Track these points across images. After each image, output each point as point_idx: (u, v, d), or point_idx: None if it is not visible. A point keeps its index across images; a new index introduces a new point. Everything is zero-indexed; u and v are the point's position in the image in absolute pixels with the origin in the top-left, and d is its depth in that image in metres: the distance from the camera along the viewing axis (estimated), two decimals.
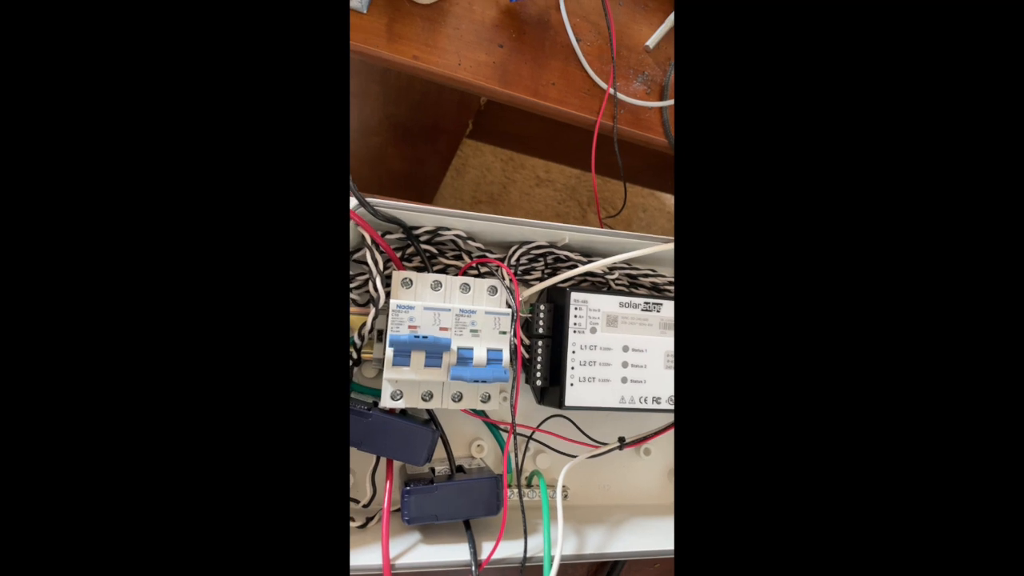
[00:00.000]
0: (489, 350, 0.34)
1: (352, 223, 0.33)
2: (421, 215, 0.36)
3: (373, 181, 0.92)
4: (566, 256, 0.41)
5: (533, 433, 0.41)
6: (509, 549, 0.35)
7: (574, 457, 0.40)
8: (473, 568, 0.33)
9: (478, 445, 0.42)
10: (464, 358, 0.34)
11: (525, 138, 0.86)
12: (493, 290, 0.37)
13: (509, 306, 0.37)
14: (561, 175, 1.35)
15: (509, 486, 0.37)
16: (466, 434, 0.42)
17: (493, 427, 0.41)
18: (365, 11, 0.43)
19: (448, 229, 0.38)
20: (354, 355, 0.38)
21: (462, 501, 0.35)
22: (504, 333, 0.35)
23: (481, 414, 0.41)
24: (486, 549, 0.35)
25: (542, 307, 0.39)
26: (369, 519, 0.37)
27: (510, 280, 0.37)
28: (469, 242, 0.39)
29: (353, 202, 0.33)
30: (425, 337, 0.33)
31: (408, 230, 0.37)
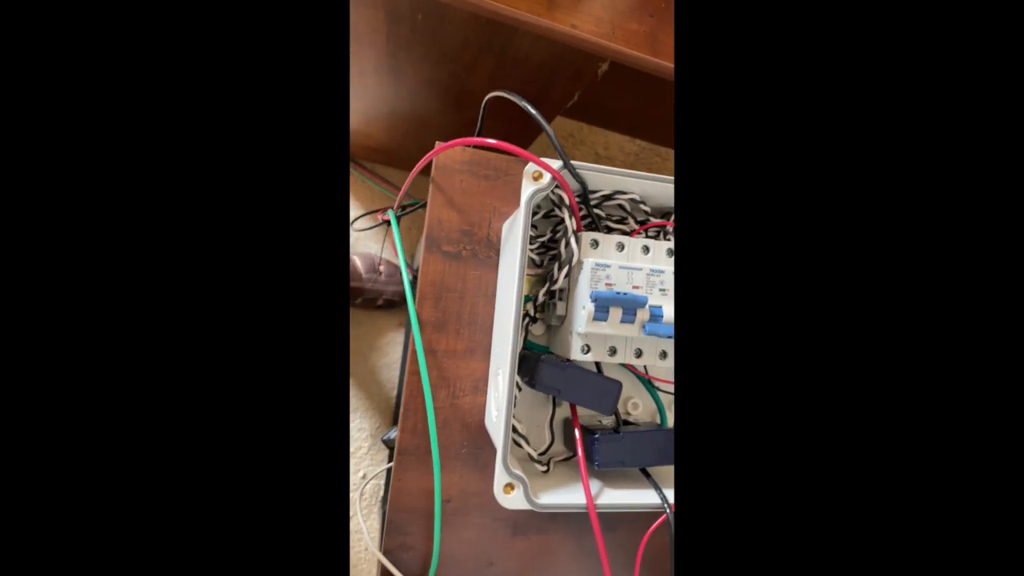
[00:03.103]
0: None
1: (554, 183, 0.35)
2: (599, 176, 0.38)
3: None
4: None
5: None
6: None
7: None
8: (667, 509, 0.35)
9: (633, 403, 0.44)
10: (655, 316, 0.36)
11: (616, 112, 0.86)
12: (670, 252, 0.39)
13: None
14: (620, 152, 1.35)
15: None
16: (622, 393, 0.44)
17: (650, 386, 0.43)
18: None
19: (624, 192, 0.39)
20: (531, 312, 0.40)
21: (645, 450, 0.37)
22: None
23: (644, 370, 0.43)
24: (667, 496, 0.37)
25: None
26: (547, 464, 0.39)
27: None
28: (640, 206, 0.40)
29: (557, 163, 0.35)
30: (625, 294, 0.35)
31: (586, 192, 0.39)
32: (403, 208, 0.78)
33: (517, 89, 0.77)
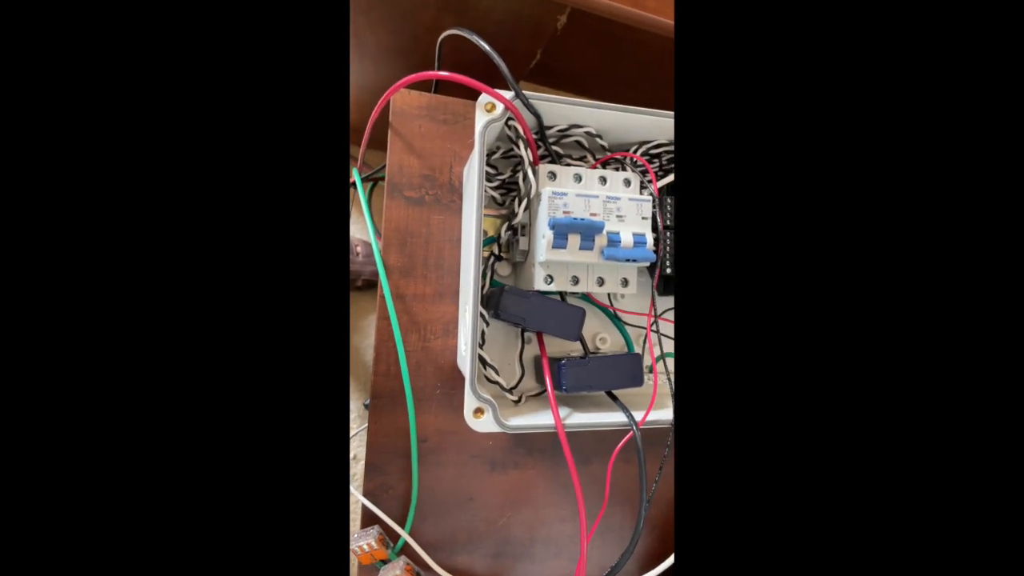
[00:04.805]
0: (634, 234, 0.37)
1: (508, 115, 0.35)
2: (556, 108, 0.38)
3: None
4: None
5: (656, 322, 0.44)
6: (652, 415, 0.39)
7: None
8: (633, 427, 0.36)
9: (601, 338, 0.45)
10: (613, 241, 0.36)
11: (581, 75, 0.87)
12: (627, 183, 0.40)
13: (646, 194, 0.39)
14: None
15: (648, 368, 0.41)
16: (589, 328, 0.45)
17: (619, 322, 0.44)
18: None
19: (580, 126, 0.40)
20: (496, 251, 0.41)
21: (611, 373, 0.38)
22: (646, 219, 0.38)
23: (609, 301, 0.44)
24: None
25: (669, 200, 0.42)
26: (519, 396, 0.40)
27: (645, 169, 0.40)
28: (597, 140, 0.41)
29: (510, 94, 0.35)
30: (582, 219, 0.35)
31: (542, 126, 0.39)
32: (369, 173, 0.78)
33: (478, 51, 0.77)
